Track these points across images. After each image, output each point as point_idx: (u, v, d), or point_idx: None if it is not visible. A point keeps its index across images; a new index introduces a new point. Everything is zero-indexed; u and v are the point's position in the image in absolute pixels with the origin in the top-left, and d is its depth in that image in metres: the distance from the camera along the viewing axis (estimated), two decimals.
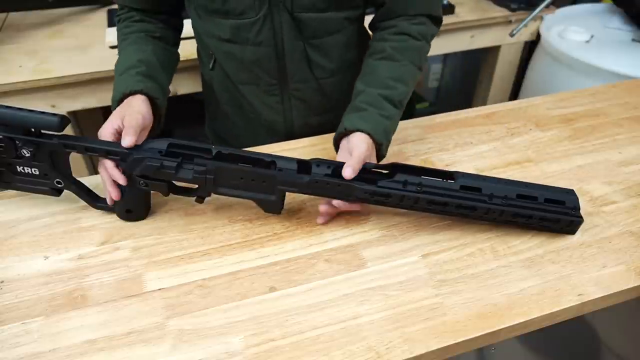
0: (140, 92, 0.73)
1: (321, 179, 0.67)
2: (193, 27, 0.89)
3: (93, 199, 0.73)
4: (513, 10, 1.61)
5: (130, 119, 0.68)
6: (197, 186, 0.69)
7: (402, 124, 0.93)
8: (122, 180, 0.67)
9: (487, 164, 0.84)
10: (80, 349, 0.56)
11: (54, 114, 0.63)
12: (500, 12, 1.62)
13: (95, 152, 0.66)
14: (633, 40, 1.53)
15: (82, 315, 0.60)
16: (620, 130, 0.93)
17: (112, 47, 1.34)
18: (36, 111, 0.63)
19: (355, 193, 0.67)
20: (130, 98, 0.72)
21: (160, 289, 0.63)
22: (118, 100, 0.73)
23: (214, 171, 0.66)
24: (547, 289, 0.63)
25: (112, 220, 0.73)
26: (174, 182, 0.70)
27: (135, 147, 0.66)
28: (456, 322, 0.59)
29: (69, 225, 0.72)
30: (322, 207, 0.70)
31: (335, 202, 0.69)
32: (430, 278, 0.64)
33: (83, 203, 0.75)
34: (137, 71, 0.75)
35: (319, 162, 0.68)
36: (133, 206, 0.71)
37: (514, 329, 0.59)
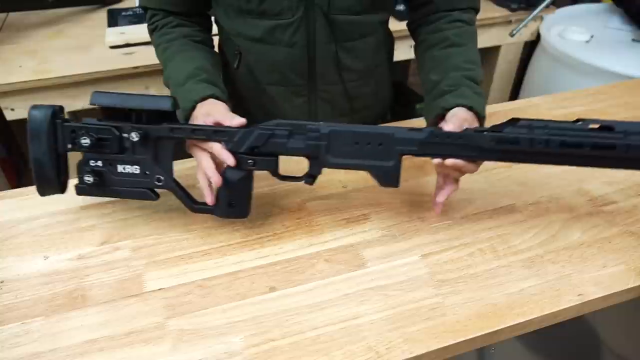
0: (212, 96, 0.72)
1: (441, 132, 0.63)
2: (218, 26, 0.89)
3: (192, 201, 0.69)
4: (513, 10, 1.61)
5: (219, 112, 0.68)
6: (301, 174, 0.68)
7: (403, 124, 0.93)
8: (231, 160, 0.65)
9: (487, 164, 0.83)
10: (80, 349, 0.56)
11: (166, 96, 0.63)
12: (500, 12, 1.62)
13: (203, 133, 0.65)
14: (633, 40, 1.53)
15: (82, 315, 0.60)
16: None
17: (112, 47, 1.34)
18: (146, 95, 0.64)
19: (480, 143, 0.63)
20: (202, 103, 0.71)
21: (160, 289, 0.63)
22: (190, 109, 0.71)
23: (327, 136, 0.64)
24: (547, 289, 0.63)
25: (112, 221, 0.73)
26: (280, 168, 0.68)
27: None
28: (456, 322, 0.59)
29: (69, 225, 0.72)
30: (436, 161, 0.65)
31: (450, 161, 0.64)
32: (430, 278, 0.64)
33: (83, 203, 0.75)
34: (199, 79, 0.74)
35: (432, 129, 0.66)
36: (236, 198, 0.68)
37: (514, 329, 0.59)
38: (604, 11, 1.72)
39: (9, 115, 1.32)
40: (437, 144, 0.64)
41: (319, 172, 0.67)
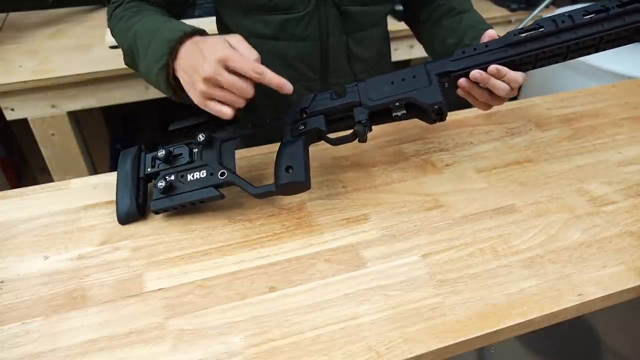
0: (202, 33, 0.67)
1: (467, 48, 0.67)
2: (225, 28, 0.88)
3: (253, 187, 0.71)
4: (513, 10, 1.61)
5: (236, 40, 0.64)
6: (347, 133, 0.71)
7: (402, 124, 0.93)
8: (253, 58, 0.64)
9: (487, 164, 0.84)
10: (80, 349, 0.56)
11: None
12: (500, 12, 1.63)
13: (262, 126, 0.73)
14: None
15: (82, 315, 0.60)
16: (620, 130, 0.93)
17: (112, 47, 1.34)
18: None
19: (506, 40, 0.65)
20: (191, 40, 0.65)
21: (160, 289, 0.63)
22: (176, 43, 0.65)
23: (364, 85, 0.70)
24: (547, 289, 0.63)
25: (112, 220, 0.73)
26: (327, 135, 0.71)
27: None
28: (456, 322, 0.59)
29: (69, 225, 0.72)
30: (475, 74, 0.66)
31: (492, 67, 0.65)
32: (430, 278, 0.64)
33: (83, 203, 0.75)
34: (179, 22, 0.70)
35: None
36: (293, 161, 0.69)
37: (514, 329, 0.59)
38: None
39: (9, 115, 1.32)
40: (467, 57, 0.67)
41: (366, 117, 0.70)
